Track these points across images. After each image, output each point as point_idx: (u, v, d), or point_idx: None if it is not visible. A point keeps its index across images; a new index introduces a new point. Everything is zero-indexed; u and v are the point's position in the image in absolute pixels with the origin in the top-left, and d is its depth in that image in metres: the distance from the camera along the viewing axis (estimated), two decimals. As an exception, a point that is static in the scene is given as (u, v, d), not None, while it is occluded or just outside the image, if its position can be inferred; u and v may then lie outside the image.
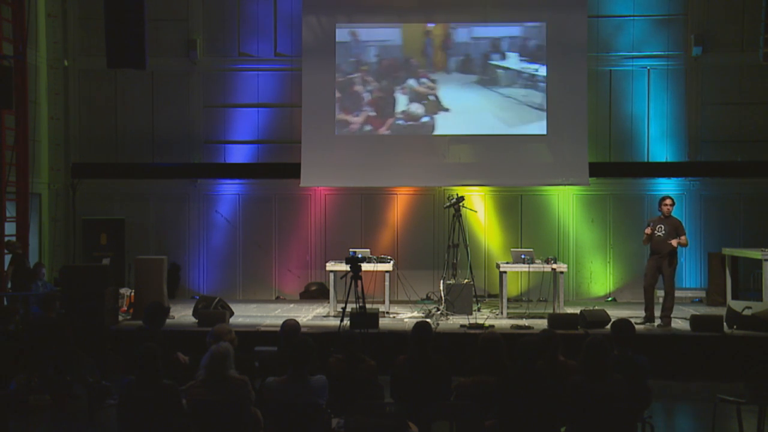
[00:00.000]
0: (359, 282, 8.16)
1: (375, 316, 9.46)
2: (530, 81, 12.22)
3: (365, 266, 9.82)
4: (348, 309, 8.43)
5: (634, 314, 9.66)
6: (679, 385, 8.60)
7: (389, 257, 11.22)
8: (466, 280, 10.86)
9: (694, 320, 9.36)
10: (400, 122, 12.38)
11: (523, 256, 10.52)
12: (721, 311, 9.90)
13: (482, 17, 12.31)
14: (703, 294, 12.34)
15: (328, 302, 10.77)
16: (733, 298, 10.82)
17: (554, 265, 10.44)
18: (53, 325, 7.65)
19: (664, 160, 12.81)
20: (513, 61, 12.24)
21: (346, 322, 8.43)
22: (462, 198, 11.38)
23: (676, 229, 9.62)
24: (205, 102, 13.23)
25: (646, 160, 12.82)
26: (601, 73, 12.79)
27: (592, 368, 5.10)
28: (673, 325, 9.66)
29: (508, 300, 10.75)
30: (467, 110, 12.27)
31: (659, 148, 12.84)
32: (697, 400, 8.13)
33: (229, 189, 13.27)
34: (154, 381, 5.15)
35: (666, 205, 9.71)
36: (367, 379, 5.73)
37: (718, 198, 12.81)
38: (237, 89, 13.19)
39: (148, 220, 13.24)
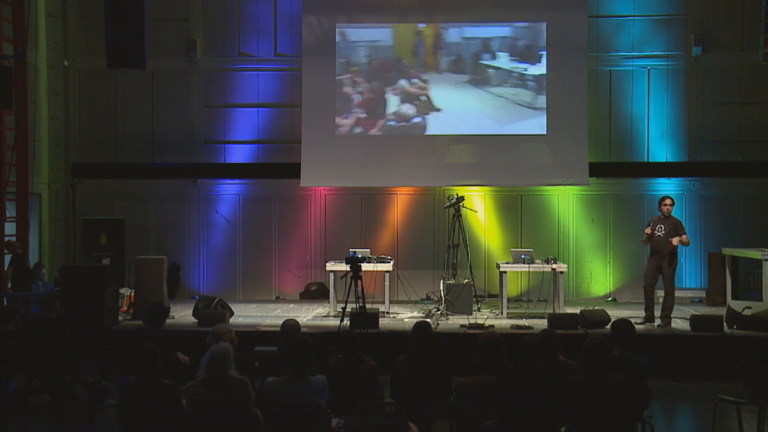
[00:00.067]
0: (359, 282, 8.16)
1: (375, 316, 9.46)
2: (520, 80, 12.21)
3: (365, 266, 9.82)
4: (348, 309, 8.43)
5: (634, 314, 9.66)
6: (679, 385, 8.60)
7: (389, 257, 11.22)
8: (466, 280, 10.86)
9: (694, 320, 9.36)
10: (392, 123, 12.38)
11: (523, 256, 10.52)
12: (721, 311, 9.90)
13: (482, 17, 12.31)
14: (703, 294, 12.34)
15: (328, 302, 10.77)
16: (733, 298, 10.82)
17: (554, 265, 10.44)
18: (53, 325, 7.64)
19: (664, 160, 12.81)
20: (503, 60, 12.24)
21: (346, 322, 8.43)
22: (462, 198, 11.38)
23: (676, 229, 9.62)
24: (205, 102, 13.23)
25: (646, 160, 12.82)
26: (601, 73, 12.79)
27: (592, 368, 5.10)
28: (673, 325, 9.65)
29: (508, 300, 10.74)
30: (459, 110, 12.28)
31: (659, 148, 12.84)
32: (697, 400, 8.12)
33: (229, 189, 13.27)
34: (154, 381, 5.15)
35: (666, 205, 9.71)
36: (367, 379, 5.73)
37: (718, 198, 12.81)
38: (237, 89, 13.19)
39: (148, 220, 13.24)
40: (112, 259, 11.88)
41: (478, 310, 10.91)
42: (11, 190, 11.26)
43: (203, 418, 5.08)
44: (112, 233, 12.73)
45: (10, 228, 11.11)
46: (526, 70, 12.21)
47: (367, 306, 8.59)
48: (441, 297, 10.69)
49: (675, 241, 9.51)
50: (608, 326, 8.32)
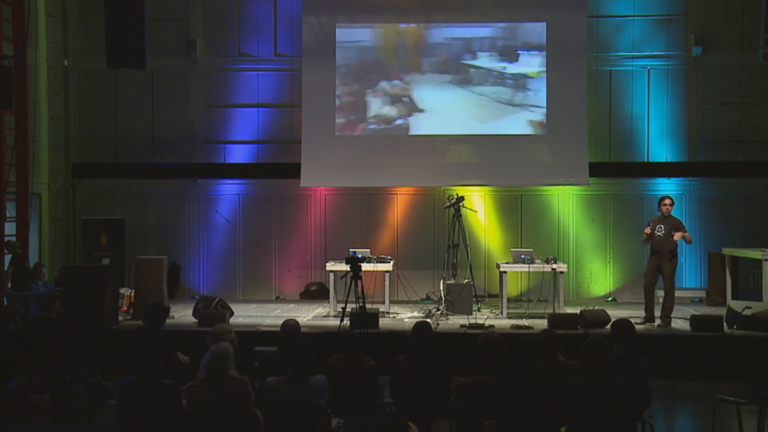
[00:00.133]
0: (359, 282, 8.16)
1: (375, 316, 9.46)
2: (500, 78, 12.21)
3: (365, 266, 9.82)
4: (348, 309, 8.43)
5: (634, 314, 9.65)
6: (679, 385, 8.60)
7: (389, 257, 11.22)
8: (466, 280, 10.86)
9: (694, 320, 9.36)
10: (373, 126, 12.37)
11: (523, 256, 10.52)
12: (721, 311, 9.90)
13: (482, 17, 12.32)
14: (703, 294, 12.34)
15: (328, 302, 10.77)
16: (733, 298, 10.82)
17: (554, 265, 10.44)
18: (53, 325, 7.65)
19: (664, 160, 12.81)
20: (485, 60, 12.23)
21: (346, 322, 8.43)
22: (462, 198, 11.38)
23: (676, 229, 9.62)
24: (205, 102, 13.23)
25: (646, 160, 12.82)
26: (601, 73, 12.79)
27: (592, 368, 5.10)
28: (673, 325, 9.65)
29: (508, 300, 10.74)
30: (443, 110, 12.27)
31: (659, 148, 12.84)
32: (697, 400, 8.13)
33: (229, 189, 13.27)
34: (154, 381, 5.15)
35: (665, 204, 9.71)
36: (367, 379, 5.73)
37: (718, 198, 12.81)
38: (237, 89, 13.19)
39: (148, 220, 13.24)
40: (112, 259, 11.89)
41: (478, 310, 10.91)
42: (11, 190, 11.27)
43: (203, 418, 5.08)
44: (112, 233, 12.72)
45: (10, 228, 11.12)
46: (505, 68, 12.21)
47: (367, 306, 8.58)
48: (441, 297, 10.69)
49: (677, 236, 9.50)
50: (608, 326, 8.32)
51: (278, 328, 6.31)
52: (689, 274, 12.68)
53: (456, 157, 12.33)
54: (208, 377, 5.22)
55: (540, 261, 10.61)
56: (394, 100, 12.35)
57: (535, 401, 4.98)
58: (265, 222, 13.18)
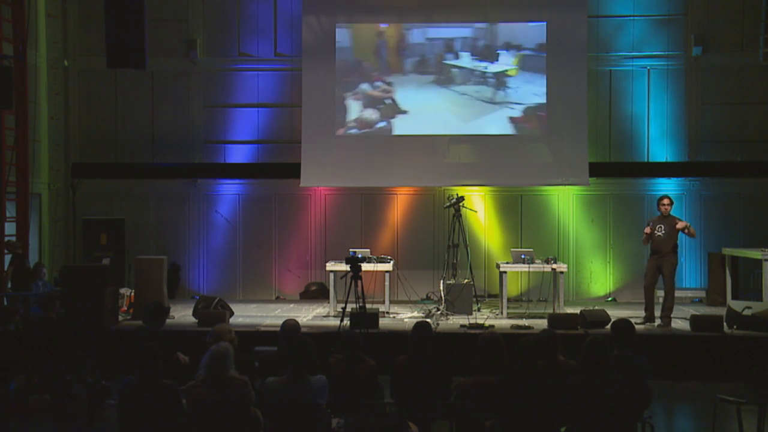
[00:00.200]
0: (359, 282, 8.16)
1: (375, 316, 9.46)
2: (481, 78, 12.22)
3: (365, 266, 9.82)
4: (348, 309, 8.43)
5: (634, 314, 9.65)
6: (679, 385, 8.60)
7: (389, 257, 11.22)
8: (466, 280, 10.86)
9: (694, 320, 9.36)
10: (353, 131, 12.36)
11: (523, 256, 10.52)
12: (721, 311, 9.90)
13: (482, 17, 12.32)
14: (703, 294, 12.34)
15: (328, 302, 10.77)
16: (733, 298, 10.82)
17: (554, 265, 10.44)
18: (53, 325, 7.65)
19: (664, 160, 12.81)
20: (466, 59, 12.25)
21: (346, 322, 8.43)
22: (462, 198, 11.38)
23: (677, 227, 9.62)
24: (205, 102, 13.23)
25: (646, 160, 12.82)
26: (601, 73, 12.79)
27: (592, 368, 5.09)
28: (673, 325, 9.65)
29: (508, 300, 10.74)
30: (426, 111, 12.27)
31: (659, 148, 12.84)
32: (697, 400, 8.13)
33: (229, 189, 13.27)
34: (154, 381, 5.15)
35: (664, 204, 9.72)
36: (367, 379, 5.73)
37: (718, 198, 12.81)
38: (237, 89, 13.19)
39: (148, 220, 13.24)
40: (112, 259, 11.90)
41: (478, 310, 10.91)
42: (11, 190, 11.26)
43: (203, 418, 5.08)
44: (112, 233, 12.72)
45: (10, 228, 11.11)
46: (486, 68, 12.22)
47: (367, 306, 8.58)
48: (441, 297, 10.69)
49: (681, 224, 9.51)
50: (608, 326, 8.32)
51: (278, 328, 6.31)
52: (689, 274, 12.68)
53: (456, 157, 12.33)
54: (208, 377, 5.22)
55: (540, 261, 10.61)
56: (376, 101, 12.35)
57: (535, 401, 4.98)
58: (265, 222, 13.18)
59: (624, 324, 6.06)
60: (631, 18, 12.81)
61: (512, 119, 12.25)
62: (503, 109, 12.25)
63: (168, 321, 8.33)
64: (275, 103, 13.13)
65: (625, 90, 12.87)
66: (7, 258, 10.73)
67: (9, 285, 10.45)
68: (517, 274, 12.04)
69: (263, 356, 6.27)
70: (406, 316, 10.48)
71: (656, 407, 7.07)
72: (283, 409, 5.04)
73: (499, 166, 12.33)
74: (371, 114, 12.35)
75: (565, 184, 12.46)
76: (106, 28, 9.92)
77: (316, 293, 12.59)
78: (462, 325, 9.57)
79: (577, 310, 9.90)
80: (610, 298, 12.73)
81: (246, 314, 10.71)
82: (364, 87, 12.37)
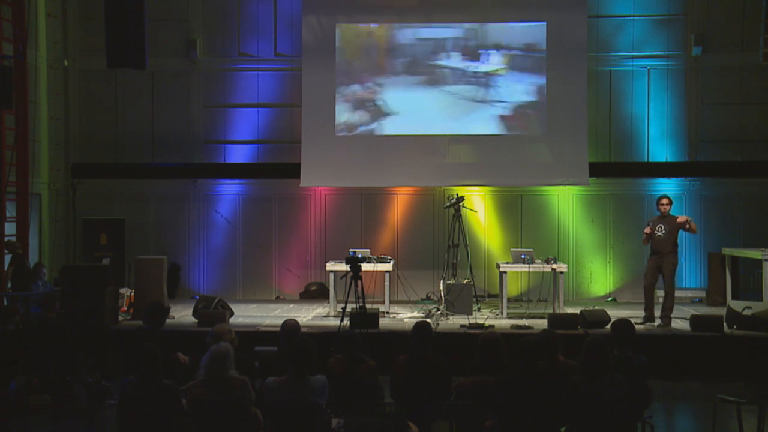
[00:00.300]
0: (359, 282, 8.16)
1: (375, 316, 9.46)
2: (473, 77, 12.21)
3: (365, 266, 9.82)
4: (348, 309, 8.43)
5: (634, 314, 9.65)
6: (679, 385, 8.60)
7: (389, 257, 11.22)
8: (466, 280, 10.86)
9: (694, 320, 9.35)
10: (353, 131, 12.36)
11: (523, 256, 10.52)
12: (721, 311, 9.90)
13: (482, 17, 12.32)
14: (703, 294, 12.34)
15: (328, 302, 10.77)
16: (733, 298, 10.81)
17: (554, 265, 10.44)
18: (53, 325, 7.65)
19: (664, 160, 12.81)
20: (456, 59, 12.24)
21: (346, 322, 8.43)
22: (462, 198, 11.38)
23: (677, 228, 9.62)
24: (205, 102, 13.23)
25: (646, 160, 12.82)
26: (601, 73, 12.79)
27: (592, 368, 5.09)
28: (673, 325, 9.65)
29: (508, 300, 10.74)
30: (426, 111, 12.27)
31: (659, 148, 12.84)
32: (697, 400, 8.13)
33: (229, 189, 13.27)
34: (154, 381, 5.15)
35: (663, 204, 9.72)
36: (367, 379, 5.73)
37: (718, 198, 12.81)
38: (237, 89, 13.19)
39: (148, 220, 13.24)
40: (112, 259, 11.89)
41: (478, 310, 10.91)
42: (11, 190, 11.27)
43: (203, 418, 5.08)
44: (112, 233, 12.72)
45: (10, 228, 11.12)
46: (477, 68, 12.22)
47: (367, 306, 8.58)
48: (441, 297, 10.69)
49: (681, 218, 9.51)
50: (608, 326, 8.32)
51: (278, 328, 6.31)
52: (689, 274, 12.68)
53: (456, 157, 12.34)
54: (208, 377, 5.22)
55: (540, 261, 10.61)
56: (376, 101, 12.35)
57: (535, 401, 4.99)
58: (265, 222, 13.18)
59: (624, 324, 6.06)
60: (631, 18, 12.81)
61: (511, 118, 12.23)
62: (502, 109, 12.23)
63: (168, 321, 8.33)
64: (275, 103, 13.13)
65: (625, 90, 12.87)
66: (7, 258, 10.74)
67: (9, 285, 10.45)
68: (517, 274, 12.04)
69: (263, 356, 6.27)
70: (406, 316, 10.48)
71: (656, 407, 7.07)
72: (283, 409, 5.04)
73: (499, 166, 12.33)
74: (371, 114, 12.35)
75: (565, 184, 12.46)
76: (106, 28, 9.91)
77: (316, 293, 12.59)
78: (462, 325, 9.57)
79: (577, 310, 9.90)
80: (610, 298, 12.73)
81: (246, 314, 10.71)
82: (364, 87, 12.35)
